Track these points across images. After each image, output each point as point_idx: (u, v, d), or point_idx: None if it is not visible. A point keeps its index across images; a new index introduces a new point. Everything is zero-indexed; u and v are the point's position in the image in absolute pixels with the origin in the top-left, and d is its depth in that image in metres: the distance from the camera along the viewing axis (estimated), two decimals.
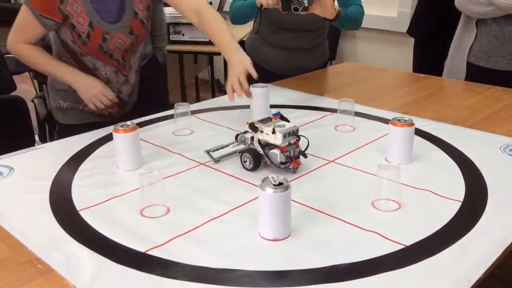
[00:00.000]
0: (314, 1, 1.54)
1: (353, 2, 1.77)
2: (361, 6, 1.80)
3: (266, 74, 1.91)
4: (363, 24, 3.65)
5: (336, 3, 1.67)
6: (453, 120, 1.43)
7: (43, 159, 1.22)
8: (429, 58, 2.45)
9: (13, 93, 2.79)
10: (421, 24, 2.57)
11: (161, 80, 2.22)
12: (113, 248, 0.84)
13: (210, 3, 4.30)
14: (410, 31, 2.68)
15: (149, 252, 0.83)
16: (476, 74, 1.87)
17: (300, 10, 1.53)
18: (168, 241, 0.86)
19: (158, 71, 2.21)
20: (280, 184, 0.83)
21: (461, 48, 1.94)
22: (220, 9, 3.49)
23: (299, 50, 1.94)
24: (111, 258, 0.81)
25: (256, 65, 2.06)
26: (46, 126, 1.79)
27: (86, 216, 0.95)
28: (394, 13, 3.21)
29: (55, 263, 0.80)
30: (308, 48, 1.95)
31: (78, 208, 0.97)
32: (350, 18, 1.73)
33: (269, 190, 0.82)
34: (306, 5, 1.52)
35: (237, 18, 1.80)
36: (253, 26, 1.92)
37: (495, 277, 0.91)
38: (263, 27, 1.89)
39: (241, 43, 3.25)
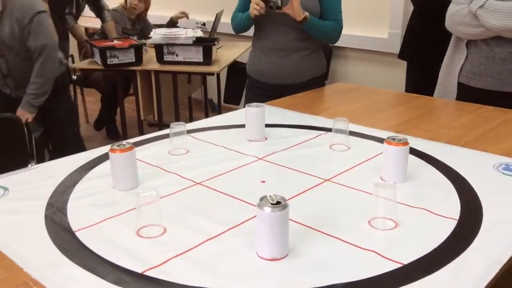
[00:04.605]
0: (288, 1, 1.84)
1: (333, 18, 1.99)
2: (340, 25, 2.00)
3: (261, 86, 2.13)
4: (354, 45, 3.68)
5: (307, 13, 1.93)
6: (446, 139, 1.45)
7: (38, 179, 1.21)
8: (422, 80, 2.48)
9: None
10: (412, 46, 2.60)
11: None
12: (110, 269, 0.84)
13: (204, 24, 4.35)
14: (401, 55, 2.71)
15: (146, 273, 0.82)
16: (467, 94, 1.89)
17: (274, 8, 1.86)
18: (165, 261, 0.85)
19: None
20: (278, 203, 0.84)
21: (452, 68, 1.97)
22: (213, 30, 3.52)
23: (286, 51, 2.04)
24: (107, 279, 0.81)
25: (254, 80, 2.20)
26: (41, 146, 1.79)
27: (82, 236, 0.94)
28: (385, 35, 3.27)
29: (51, 284, 0.79)
30: (295, 50, 2.04)
31: (74, 229, 0.97)
32: (319, 28, 1.96)
33: (267, 209, 0.83)
34: (279, 4, 1.85)
35: (238, 29, 2.12)
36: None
37: None
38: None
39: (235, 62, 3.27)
